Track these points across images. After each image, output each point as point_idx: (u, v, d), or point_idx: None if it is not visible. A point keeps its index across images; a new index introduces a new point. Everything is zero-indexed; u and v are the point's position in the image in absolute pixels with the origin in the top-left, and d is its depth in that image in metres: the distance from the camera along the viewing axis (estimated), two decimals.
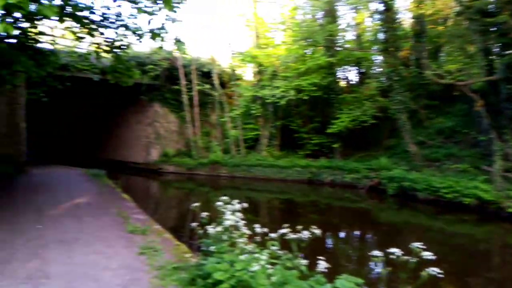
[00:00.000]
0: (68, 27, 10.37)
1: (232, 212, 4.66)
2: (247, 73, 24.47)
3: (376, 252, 3.33)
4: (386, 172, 15.03)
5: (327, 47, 18.64)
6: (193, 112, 22.74)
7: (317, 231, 3.95)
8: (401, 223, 12.10)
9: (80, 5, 8.28)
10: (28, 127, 16.60)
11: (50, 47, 11.76)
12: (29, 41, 9.51)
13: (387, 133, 18.67)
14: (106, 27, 10.19)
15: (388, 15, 15.77)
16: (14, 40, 9.23)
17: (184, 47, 5.81)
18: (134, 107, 24.47)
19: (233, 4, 30.61)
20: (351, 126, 17.87)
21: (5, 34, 8.89)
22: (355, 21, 20.50)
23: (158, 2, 6.97)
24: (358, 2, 18.34)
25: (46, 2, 7.76)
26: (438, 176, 13.32)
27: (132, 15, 9.62)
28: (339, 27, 19.77)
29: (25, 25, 9.03)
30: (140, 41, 11.42)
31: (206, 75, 23.39)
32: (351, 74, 22.88)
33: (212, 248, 4.45)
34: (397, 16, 16.74)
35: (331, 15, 19.53)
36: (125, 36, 10.64)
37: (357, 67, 21.43)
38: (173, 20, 7.54)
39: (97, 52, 11.06)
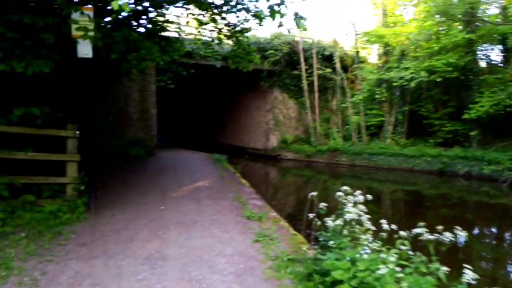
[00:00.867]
0: (191, 13, 10.66)
1: (354, 204, 4.14)
2: (371, 55, 23.21)
3: None
4: None
5: (466, 22, 16.63)
6: (313, 98, 22.24)
7: (462, 233, 3.26)
8: None
9: None
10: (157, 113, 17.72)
11: (176, 35, 12.27)
12: (157, 28, 9.93)
13: None
14: (227, 11, 10.23)
15: None
16: (143, 30, 9.74)
17: (304, 24, 5.33)
18: (254, 93, 24.77)
19: None
20: (493, 111, 15.73)
21: (135, 24, 9.44)
22: None
23: None
24: None
25: None
26: None
27: None
28: None
29: (153, 14, 9.48)
30: (261, 25, 11.31)
31: (327, 59, 22.68)
32: (494, 53, 20.17)
33: (331, 242, 3.99)
34: None
35: None
36: (246, 20, 10.59)
37: (501, 45, 18.74)
38: None
39: (219, 38, 11.19)
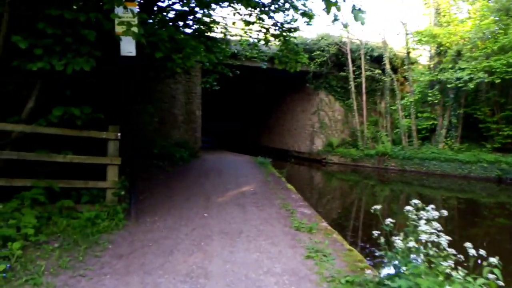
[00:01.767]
0: (238, 13, 10.30)
1: (427, 221, 3.52)
2: (422, 55, 22.06)
3: None
4: None
5: None
6: (360, 100, 21.39)
7: None
8: None
9: None
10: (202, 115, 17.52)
11: (221, 36, 11.95)
12: (203, 29, 9.63)
13: None
14: (275, 10, 9.79)
15: None
16: (189, 31, 9.48)
17: (363, 17, 4.76)
18: (299, 95, 24.19)
19: None
20: None
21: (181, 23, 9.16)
22: None
23: None
24: None
25: None
26: None
27: None
28: None
29: (199, 15, 9.19)
30: (310, 24, 10.79)
31: (375, 60, 21.78)
32: None
33: (402, 268, 3.39)
34: None
35: None
36: (294, 20, 10.12)
37: None
38: None
39: (266, 38, 10.77)
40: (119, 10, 5.40)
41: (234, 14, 10.31)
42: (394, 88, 20.19)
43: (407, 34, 18.87)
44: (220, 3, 9.23)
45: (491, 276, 3.03)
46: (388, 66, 20.44)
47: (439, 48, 18.48)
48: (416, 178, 17.35)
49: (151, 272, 4.10)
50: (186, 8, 8.78)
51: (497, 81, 15.35)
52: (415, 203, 3.71)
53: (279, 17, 24.83)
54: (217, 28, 10.84)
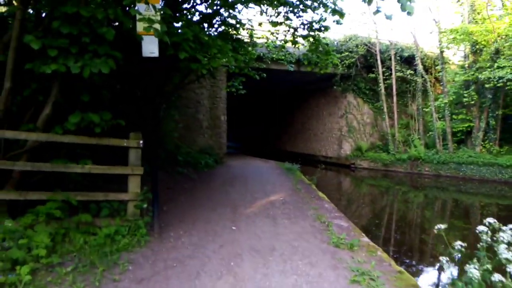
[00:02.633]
0: (264, 12, 9.81)
1: (508, 246, 2.90)
2: (456, 55, 21.07)
3: None
4: None
5: None
6: (391, 102, 20.56)
7: None
8: None
9: None
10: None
11: (247, 38, 11.48)
12: (229, 30, 9.18)
13: None
14: (304, 9, 9.25)
15: None
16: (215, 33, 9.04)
17: (412, 6, 4.14)
18: (326, 99, 23.52)
19: None
20: None
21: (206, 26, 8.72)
22: None
23: None
24: None
25: None
26: None
27: None
28: None
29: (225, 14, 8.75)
30: (340, 23, 10.23)
31: (405, 61, 20.93)
32: None
33: None
34: None
35: None
36: (323, 19, 9.55)
37: None
38: None
39: (293, 39, 10.23)
40: (140, 8, 4.96)
41: (261, 13, 9.83)
42: (427, 89, 19.28)
43: (440, 32, 17.95)
44: (246, 4, 8.76)
45: None
46: (420, 66, 19.57)
47: (474, 46, 17.50)
48: (452, 183, 16.44)
49: None
50: (210, 10, 8.35)
51: None
52: (489, 223, 3.08)
53: (308, 16, 24.29)
54: (243, 29, 10.39)
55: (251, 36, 11.14)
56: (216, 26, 8.99)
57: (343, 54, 20.00)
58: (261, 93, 28.36)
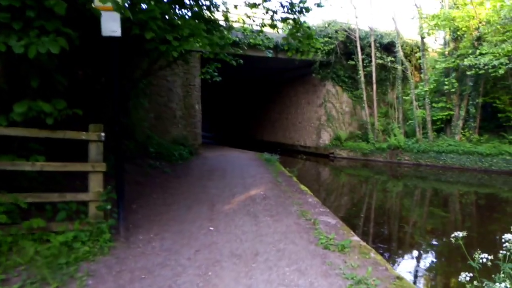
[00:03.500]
0: None
1: None
2: (437, 41, 20.77)
3: None
4: None
5: None
6: (370, 90, 20.16)
7: None
8: None
9: None
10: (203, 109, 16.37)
11: (222, 22, 10.77)
12: (202, 10, 8.46)
13: None
14: None
15: None
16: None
17: None
18: (305, 87, 22.96)
19: None
20: None
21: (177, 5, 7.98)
22: None
23: None
24: None
25: None
26: None
27: None
28: None
29: None
30: (321, 6, 9.68)
31: (385, 48, 20.55)
32: None
33: None
34: None
35: None
36: (304, 0, 8.95)
37: None
38: None
39: (272, 22, 9.59)
40: None
41: None
42: (407, 77, 18.92)
43: (421, 18, 17.53)
44: None
45: None
46: (401, 53, 19.18)
47: (455, 33, 17.17)
48: (432, 172, 16.22)
49: None
50: None
51: None
52: None
53: None
54: (217, 11, 9.68)
55: (226, 18, 10.41)
56: (188, 7, 8.27)
57: (322, 40, 19.44)
58: (237, 81, 27.63)
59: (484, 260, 2.56)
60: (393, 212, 10.51)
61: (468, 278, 2.51)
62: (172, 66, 12.65)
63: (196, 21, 7.05)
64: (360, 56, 19.65)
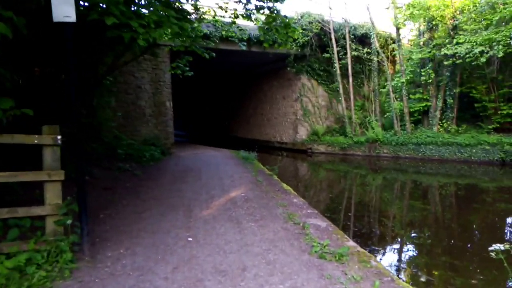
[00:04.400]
0: None
1: None
2: (413, 31, 20.54)
3: None
4: None
5: None
6: (346, 83, 19.79)
7: None
8: None
9: None
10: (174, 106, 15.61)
11: (194, 12, 10.08)
12: None
13: None
14: None
15: None
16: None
17: None
18: (279, 81, 22.41)
19: None
20: None
21: None
22: None
23: None
24: None
25: None
26: None
27: None
28: None
29: None
30: None
31: (360, 40, 20.23)
32: None
33: None
34: None
35: None
36: None
37: None
38: None
39: (246, 11, 8.99)
40: None
41: None
42: (383, 69, 18.63)
43: (396, 8, 17.22)
44: None
45: None
46: (376, 44, 18.88)
47: (430, 22, 16.94)
48: (411, 165, 15.99)
49: None
50: None
51: (500, 55, 13.86)
52: None
53: None
54: (186, 1, 9.02)
55: (196, 8, 9.72)
56: None
57: (297, 32, 18.92)
58: (210, 76, 26.89)
59: None
60: (380, 209, 10.10)
61: None
62: (139, 61, 11.88)
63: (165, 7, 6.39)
64: (335, 48, 19.25)
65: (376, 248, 6.72)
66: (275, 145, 23.14)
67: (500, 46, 13.59)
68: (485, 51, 13.83)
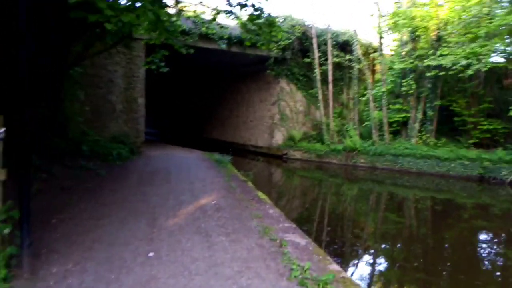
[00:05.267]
0: None
1: None
2: (396, 40, 20.32)
3: None
4: None
5: None
6: (326, 90, 19.42)
7: None
8: None
9: None
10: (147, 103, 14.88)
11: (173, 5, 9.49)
12: None
13: None
14: None
15: None
16: None
17: None
18: (258, 84, 21.87)
19: None
20: None
21: None
22: None
23: None
24: None
25: None
26: None
27: None
28: None
29: None
30: None
31: (341, 47, 19.95)
32: None
33: None
34: None
35: None
36: None
37: None
38: None
39: (229, 6, 8.46)
40: None
41: None
42: (364, 78, 18.34)
43: (381, 16, 16.95)
44: None
45: None
46: (358, 51, 18.59)
47: (413, 33, 16.74)
48: (388, 176, 15.70)
49: None
50: None
51: (484, 69, 13.68)
52: None
53: None
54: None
55: (177, 1, 9.13)
56: None
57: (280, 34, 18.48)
58: (186, 75, 26.13)
59: None
60: (358, 223, 9.70)
61: None
62: (112, 54, 11.13)
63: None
64: (316, 54, 18.87)
65: (357, 268, 6.26)
66: (250, 148, 22.59)
67: (486, 60, 13.44)
68: (472, 64, 13.62)
